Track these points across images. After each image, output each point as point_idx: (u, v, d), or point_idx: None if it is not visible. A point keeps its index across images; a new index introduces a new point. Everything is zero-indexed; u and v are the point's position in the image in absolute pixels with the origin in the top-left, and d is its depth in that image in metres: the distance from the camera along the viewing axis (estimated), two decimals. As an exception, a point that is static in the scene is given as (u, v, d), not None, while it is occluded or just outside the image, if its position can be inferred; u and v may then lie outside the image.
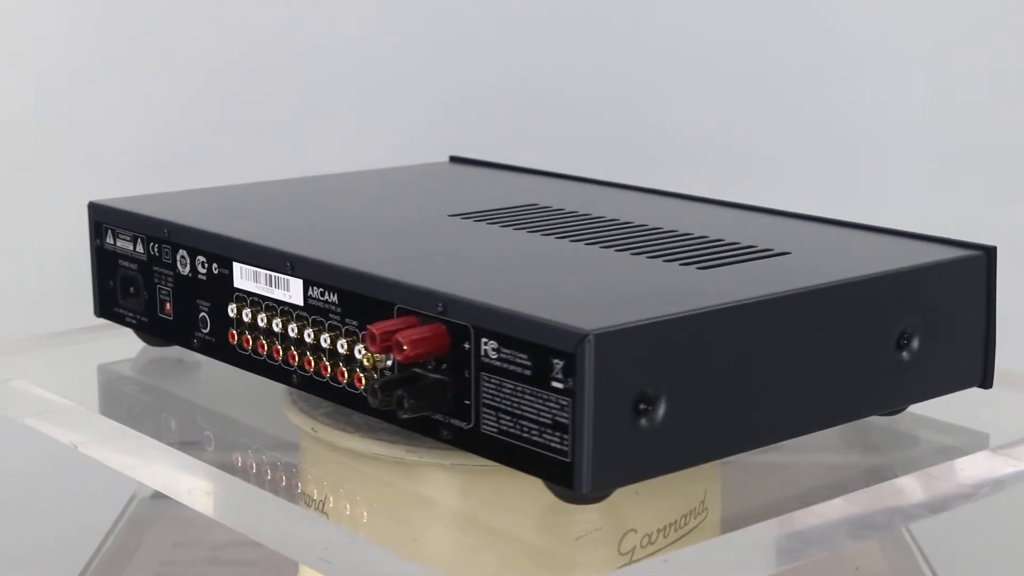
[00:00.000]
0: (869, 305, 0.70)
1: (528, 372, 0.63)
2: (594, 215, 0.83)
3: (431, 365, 0.67)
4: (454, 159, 1.02)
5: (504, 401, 0.64)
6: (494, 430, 0.65)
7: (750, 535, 0.68)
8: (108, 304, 0.87)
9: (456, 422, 0.66)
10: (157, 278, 0.83)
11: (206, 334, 0.80)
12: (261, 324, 0.76)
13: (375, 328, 0.66)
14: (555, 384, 0.62)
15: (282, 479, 0.75)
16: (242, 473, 0.75)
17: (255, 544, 0.71)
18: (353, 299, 0.71)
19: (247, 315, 0.76)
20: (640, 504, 0.69)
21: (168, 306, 0.82)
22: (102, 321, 0.88)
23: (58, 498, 1.26)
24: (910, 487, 0.74)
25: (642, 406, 0.62)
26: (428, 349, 0.66)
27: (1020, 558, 1.23)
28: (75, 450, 0.76)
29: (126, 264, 0.85)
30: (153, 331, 0.84)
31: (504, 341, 0.63)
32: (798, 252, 0.75)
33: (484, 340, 0.64)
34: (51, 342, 0.93)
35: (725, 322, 0.64)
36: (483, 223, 0.81)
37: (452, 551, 0.69)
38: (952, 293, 0.73)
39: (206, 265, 0.79)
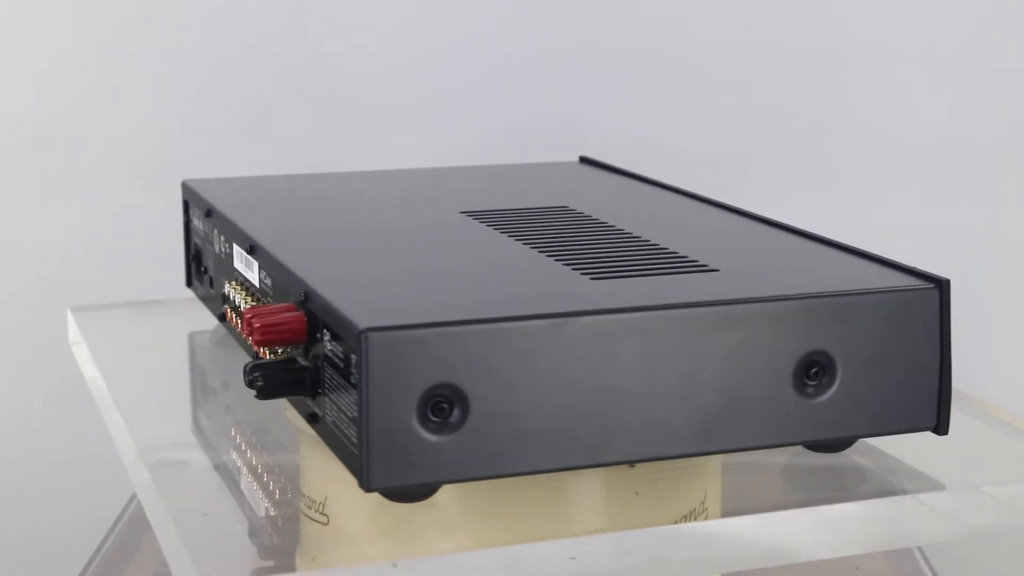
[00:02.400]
0: (760, 331, 0.65)
1: (342, 365, 0.63)
2: (599, 220, 0.81)
3: (300, 351, 0.68)
4: (584, 160, 1.01)
5: (334, 392, 0.65)
6: (331, 420, 0.66)
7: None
8: (191, 277, 0.93)
9: (316, 410, 0.68)
10: (207, 256, 0.88)
11: (224, 311, 0.84)
12: (236, 303, 0.79)
13: (247, 312, 0.69)
14: (351, 379, 0.62)
15: (271, 480, 0.77)
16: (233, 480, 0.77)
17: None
18: (278, 284, 0.73)
19: (232, 294, 0.80)
20: (640, 505, 0.69)
21: (213, 283, 0.87)
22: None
23: (58, 497, 1.28)
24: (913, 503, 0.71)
25: (442, 407, 0.61)
26: (279, 335, 0.67)
27: (1021, 558, 1.15)
28: (75, 446, 0.81)
29: (197, 241, 0.91)
30: (208, 305, 0.90)
31: (332, 334, 0.64)
32: (728, 269, 0.70)
33: (324, 331, 0.65)
34: (134, 311, 0.99)
35: (548, 332, 0.62)
36: (478, 222, 0.81)
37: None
38: (890, 327, 0.67)
39: (225, 246, 0.83)
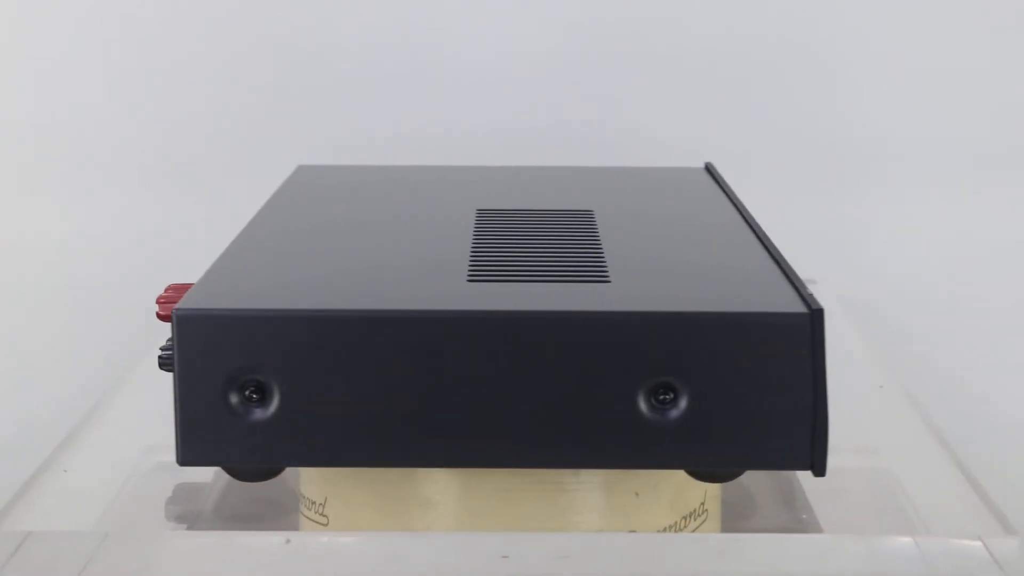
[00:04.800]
0: (600, 346, 0.63)
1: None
2: (592, 227, 0.79)
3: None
4: (707, 168, 0.98)
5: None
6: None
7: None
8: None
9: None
10: None
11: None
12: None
13: (167, 288, 0.72)
14: (180, 358, 0.65)
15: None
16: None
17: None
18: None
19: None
20: (640, 506, 0.69)
21: None
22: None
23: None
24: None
25: (251, 392, 0.63)
26: (176, 312, 0.71)
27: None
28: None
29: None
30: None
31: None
32: (621, 281, 0.68)
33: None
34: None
35: (359, 328, 0.63)
36: (472, 220, 0.81)
37: None
38: (749, 354, 0.63)
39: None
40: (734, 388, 0.63)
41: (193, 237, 0.81)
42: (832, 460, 0.63)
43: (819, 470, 0.64)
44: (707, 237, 0.78)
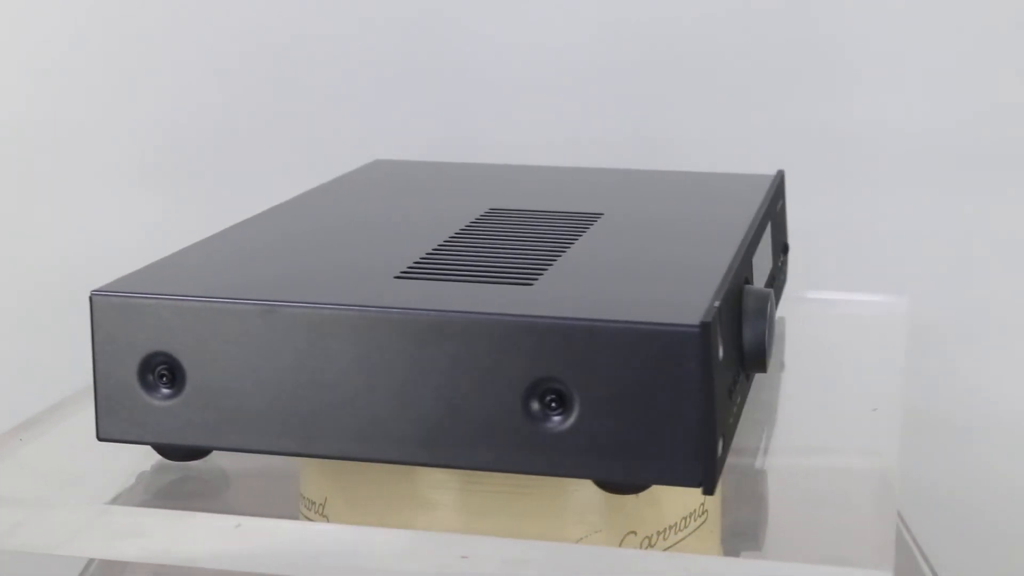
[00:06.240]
0: (487, 348, 0.63)
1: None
2: (583, 230, 0.79)
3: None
4: (777, 176, 0.96)
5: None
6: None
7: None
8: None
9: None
10: None
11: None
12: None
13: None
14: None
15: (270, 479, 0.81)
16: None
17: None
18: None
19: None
20: (639, 506, 0.70)
21: None
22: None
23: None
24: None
25: (162, 373, 0.66)
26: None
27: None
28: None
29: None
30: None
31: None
32: (544, 285, 0.67)
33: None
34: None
35: (261, 318, 0.65)
36: (469, 219, 0.81)
37: None
38: (636, 365, 0.61)
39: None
40: (622, 399, 0.62)
41: (194, 237, 0.82)
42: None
43: (708, 488, 0.62)
44: (690, 244, 0.76)
